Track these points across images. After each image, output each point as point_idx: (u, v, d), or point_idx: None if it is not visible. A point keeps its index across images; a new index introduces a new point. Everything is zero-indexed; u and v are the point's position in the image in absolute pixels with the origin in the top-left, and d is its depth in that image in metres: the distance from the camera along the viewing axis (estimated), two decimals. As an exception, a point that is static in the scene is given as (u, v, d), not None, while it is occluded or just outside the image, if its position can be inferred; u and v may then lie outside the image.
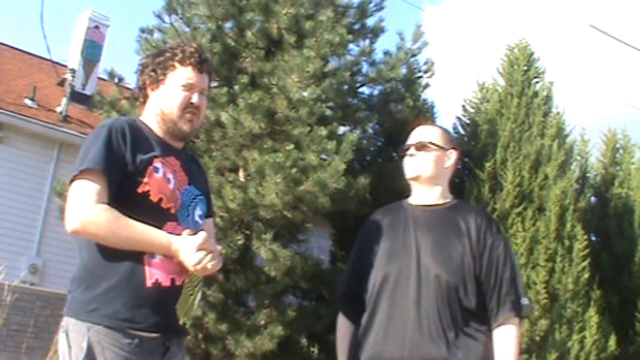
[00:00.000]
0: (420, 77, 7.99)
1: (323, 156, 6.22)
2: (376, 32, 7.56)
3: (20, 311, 7.72)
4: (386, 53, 7.63)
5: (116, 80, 7.22)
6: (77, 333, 1.92)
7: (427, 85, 8.11)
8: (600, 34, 10.37)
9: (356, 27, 7.45)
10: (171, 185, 2.06)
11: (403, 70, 7.61)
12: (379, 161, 7.94)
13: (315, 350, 7.31)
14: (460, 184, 7.79)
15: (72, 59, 11.68)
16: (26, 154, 9.84)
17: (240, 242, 6.14)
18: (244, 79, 6.43)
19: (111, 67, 7.51)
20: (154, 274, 1.97)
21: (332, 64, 6.76)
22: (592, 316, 7.23)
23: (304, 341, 7.17)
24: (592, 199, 8.84)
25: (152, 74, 2.15)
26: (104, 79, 9.64)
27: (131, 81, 7.91)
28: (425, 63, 7.93)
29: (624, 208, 8.67)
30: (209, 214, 2.25)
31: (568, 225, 7.44)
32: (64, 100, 10.74)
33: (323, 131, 6.10)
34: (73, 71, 11.29)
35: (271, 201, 5.91)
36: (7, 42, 12.55)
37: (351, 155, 6.19)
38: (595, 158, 9.39)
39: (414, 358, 2.13)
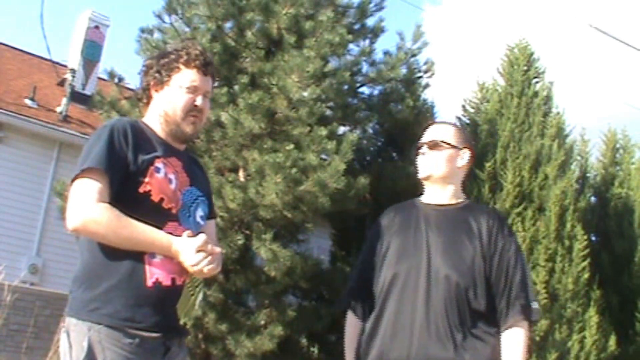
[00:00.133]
0: (420, 77, 7.98)
1: (323, 156, 6.21)
2: (376, 32, 7.55)
3: (20, 311, 7.72)
4: (386, 53, 7.63)
5: (116, 80, 7.22)
6: (78, 333, 1.92)
7: (427, 85, 8.11)
8: (600, 34, 10.38)
9: (356, 27, 7.45)
10: (173, 186, 2.06)
11: (403, 70, 7.61)
12: (379, 161, 7.94)
13: (315, 350, 7.32)
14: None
15: (72, 59, 11.69)
16: (26, 154, 9.84)
17: (240, 242, 6.14)
18: (244, 79, 6.43)
19: (111, 67, 7.50)
20: (155, 274, 1.98)
21: (332, 64, 6.76)
22: (592, 316, 7.22)
23: (304, 341, 7.18)
24: (592, 199, 8.83)
25: (157, 75, 2.16)
26: (104, 79, 9.64)
27: (131, 81, 7.93)
28: (425, 63, 7.93)
29: (624, 208, 8.67)
30: (210, 215, 2.25)
31: (568, 225, 7.44)
32: (64, 100, 10.74)
33: (323, 131, 6.10)
34: (73, 71, 11.29)
35: (271, 201, 5.91)
36: (7, 42, 12.56)
37: (351, 155, 6.19)
38: (595, 158, 9.39)
39: (420, 359, 2.11)
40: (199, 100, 2.14)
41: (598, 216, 8.76)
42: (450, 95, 31.06)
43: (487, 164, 7.70)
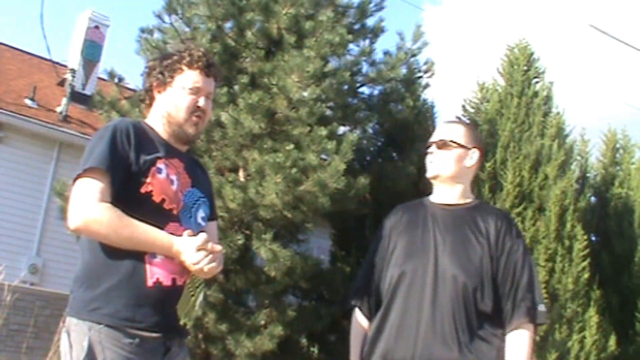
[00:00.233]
0: (420, 77, 7.98)
1: (323, 156, 6.21)
2: (376, 32, 7.55)
3: (20, 311, 7.72)
4: (386, 53, 7.62)
5: (116, 80, 7.22)
6: (79, 332, 1.92)
7: (427, 85, 8.10)
8: (600, 34, 10.38)
9: (356, 27, 7.44)
10: (174, 187, 2.06)
11: (403, 70, 7.60)
12: (379, 161, 7.93)
13: (315, 350, 7.32)
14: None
15: (72, 59, 11.69)
16: (26, 154, 9.85)
17: (240, 242, 6.14)
18: (244, 79, 6.43)
19: (111, 67, 7.51)
20: (155, 274, 1.98)
21: (332, 64, 6.75)
22: (592, 316, 7.22)
23: (304, 341, 7.18)
24: (592, 199, 8.83)
25: (160, 76, 2.16)
26: (104, 79, 9.64)
27: (131, 81, 7.94)
28: (425, 63, 7.92)
29: (624, 208, 8.67)
30: (212, 217, 2.25)
31: (568, 225, 7.44)
32: (64, 100, 10.75)
33: (323, 131, 6.10)
34: (73, 71, 11.29)
35: (271, 201, 5.91)
36: (7, 42, 12.57)
37: (351, 155, 6.18)
38: (595, 158, 9.38)
39: (424, 359, 2.10)
40: (201, 102, 2.14)
41: (598, 216, 8.76)
42: (450, 95, 31.07)
43: (487, 164, 7.70)
